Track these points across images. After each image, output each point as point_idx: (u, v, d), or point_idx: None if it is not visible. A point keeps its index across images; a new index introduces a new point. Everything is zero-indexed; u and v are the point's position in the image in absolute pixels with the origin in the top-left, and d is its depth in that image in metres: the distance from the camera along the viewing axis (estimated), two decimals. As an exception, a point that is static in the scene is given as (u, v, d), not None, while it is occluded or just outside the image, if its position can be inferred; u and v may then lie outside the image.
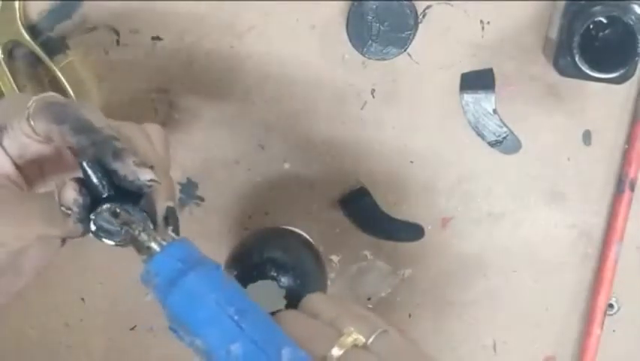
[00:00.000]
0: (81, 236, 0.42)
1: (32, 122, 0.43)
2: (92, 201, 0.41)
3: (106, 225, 0.41)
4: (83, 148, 0.41)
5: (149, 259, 0.39)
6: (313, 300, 0.44)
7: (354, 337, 0.39)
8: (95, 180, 0.41)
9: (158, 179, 0.42)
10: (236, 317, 0.37)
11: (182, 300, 0.38)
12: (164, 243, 0.40)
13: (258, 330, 0.37)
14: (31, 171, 0.46)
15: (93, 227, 0.41)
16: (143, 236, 0.40)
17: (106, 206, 0.41)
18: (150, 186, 0.41)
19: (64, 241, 0.48)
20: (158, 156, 0.46)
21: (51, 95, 0.45)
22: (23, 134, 0.44)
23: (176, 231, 0.43)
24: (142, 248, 0.40)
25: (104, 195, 0.41)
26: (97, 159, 0.41)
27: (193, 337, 0.38)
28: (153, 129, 0.48)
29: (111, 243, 0.41)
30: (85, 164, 0.41)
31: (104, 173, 0.41)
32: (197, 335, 0.38)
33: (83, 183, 0.41)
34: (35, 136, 0.44)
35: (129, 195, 0.41)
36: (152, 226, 0.41)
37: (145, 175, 0.41)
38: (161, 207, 0.42)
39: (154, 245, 0.40)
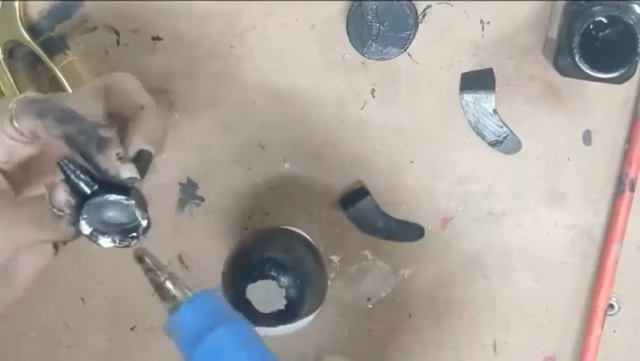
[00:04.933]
0: (74, 239, 0.42)
1: (16, 123, 0.42)
2: (82, 200, 0.40)
3: (97, 224, 0.40)
4: (70, 137, 0.41)
5: (174, 309, 0.39)
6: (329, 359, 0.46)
7: None
8: (74, 178, 0.40)
9: (145, 117, 0.43)
10: None
11: (210, 356, 0.37)
12: (189, 293, 0.39)
13: None
14: (17, 175, 0.46)
15: (88, 229, 0.40)
16: (168, 284, 0.40)
17: (92, 201, 0.40)
18: (132, 184, 0.41)
19: (57, 249, 0.47)
20: (148, 97, 0.47)
21: (30, 94, 0.45)
22: (8, 137, 0.43)
23: (141, 174, 0.41)
24: (167, 296, 0.40)
25: (89, 192, 0.40)
26: (82, 150, 0.40)
27: None
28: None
29: (109, 244, 0.40)
30: (61, 164, 0.40)
31: (82, 170, 0.40)
32: None
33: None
34: (20, 137, 0.43)
35: (115, 187, 0.40)
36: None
37: (125, 173, 0.40)
38: (134, 146, 0.42)
39: (179, 295, 0.39)
